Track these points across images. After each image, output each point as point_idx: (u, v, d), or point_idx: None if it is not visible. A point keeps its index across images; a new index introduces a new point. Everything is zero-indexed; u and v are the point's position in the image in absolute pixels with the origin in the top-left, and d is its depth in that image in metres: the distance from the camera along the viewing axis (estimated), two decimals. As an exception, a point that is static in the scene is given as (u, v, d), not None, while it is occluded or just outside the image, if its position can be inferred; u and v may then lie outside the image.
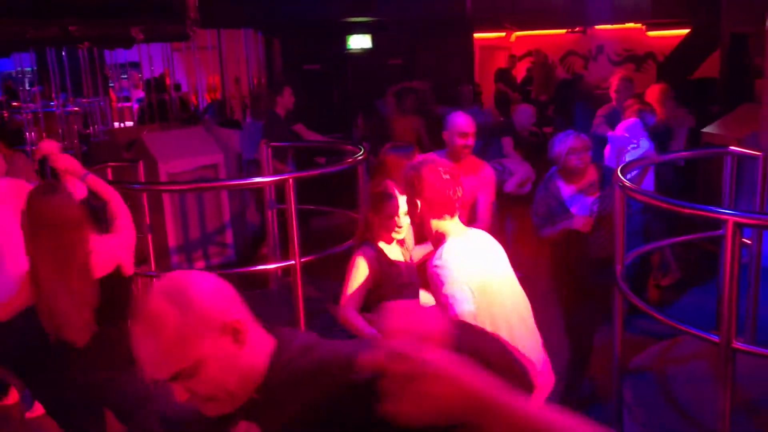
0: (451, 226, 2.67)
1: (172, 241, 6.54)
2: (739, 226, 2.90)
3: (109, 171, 4.92)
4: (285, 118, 6.77)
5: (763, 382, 3.80)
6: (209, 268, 6.68)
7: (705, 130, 6.84)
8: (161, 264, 6.23)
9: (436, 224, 2.67)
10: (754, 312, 4.02)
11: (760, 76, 6.78)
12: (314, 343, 1.37)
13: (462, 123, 4.15)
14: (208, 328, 1.27)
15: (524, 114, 6.77)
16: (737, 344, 2.90)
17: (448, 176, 2.64)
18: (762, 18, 6.16)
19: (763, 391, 3.75)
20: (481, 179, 4.17)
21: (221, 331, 1.28)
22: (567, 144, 4.11)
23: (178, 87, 8.80)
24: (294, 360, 1.33)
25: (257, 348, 1.34)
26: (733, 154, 4.29)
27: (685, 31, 10.41)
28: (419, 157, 3.09)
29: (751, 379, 3.75)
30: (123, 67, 9.49)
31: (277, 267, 5.26)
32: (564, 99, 9.33)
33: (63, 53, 7.32)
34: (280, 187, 5.26)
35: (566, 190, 4.21)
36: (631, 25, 12.03)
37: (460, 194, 2.67)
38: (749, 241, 4.18)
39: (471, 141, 4.16)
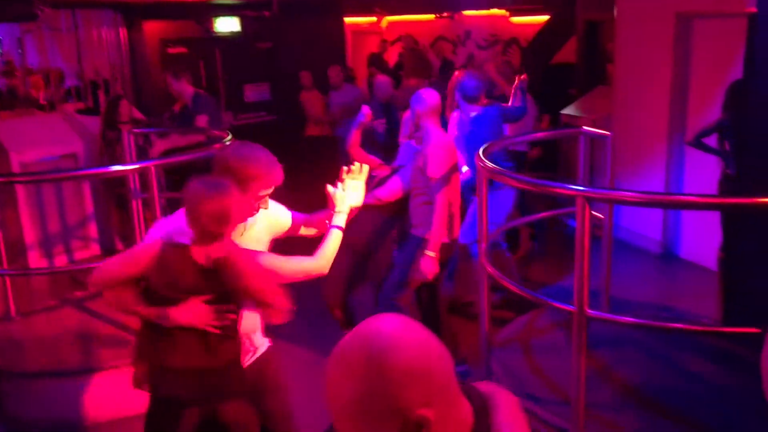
0: None
1: (29, 236, 6.13)
2: (588, 201, 3.08)
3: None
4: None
5: (616, 348, 4.08)
6: (72, 262, 6.34)
7: (564, 111, 7.21)
8: (18, 260, 5.85)
9: None
10: (607, 281, 4.29)
11: (611, 60, 7.22)
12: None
13: None
14: (388, 414, 1.08)
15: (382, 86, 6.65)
16: (590, 312, 3.09)
17: None
18: (612, 6, 6.57)
19: (617, 355, 4.03)
20: None
21: (403, 424, 1.08)
22: None
23: (29, 71, 8.22)
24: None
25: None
26: (586, 134, 4.54)
27: (545, 18, 10.89)
28: None
29: (606, 344, 4.02)
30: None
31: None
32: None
33: None
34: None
35: None
36: (496, 11, 12.44)
37: None
38: (602, 216, 4.45)
39: None
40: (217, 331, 2.57)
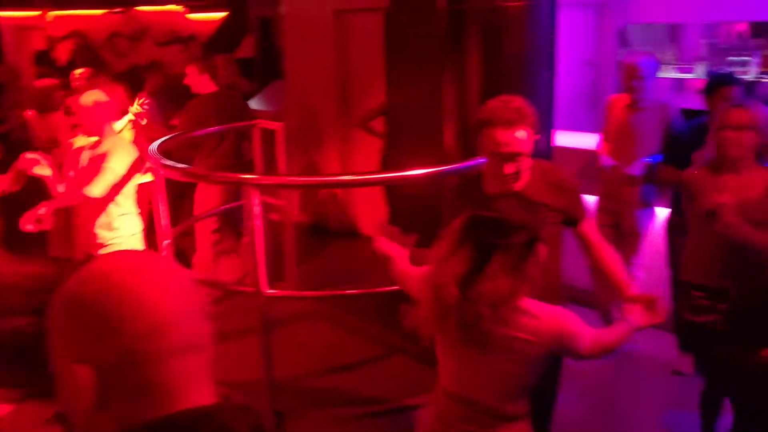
0: None
1: None
2: (259, 188, 3.27)
3: None
4: None
5: (307, 323, 4.38)
6: None
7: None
8: None
9: None
10: (290, 263, 4.56)
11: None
12: None
13: None
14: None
15: None
16: (269, 291, 3.28)
17: None
18: (280, 4, 6.90)
19: (307, 329, 4.33)
20: None
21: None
22: None
23: None
24: None
25: None
26: (260, 126, 4.77)
27: (223, 14, 10.99)
28: None
29: (296, 321, 4.29)
30: None
31: None
32: None
33: None
34: None
35: None
36: (172, 7, 12.22)
37: None
38: (280, 202, 4.70)
39: None
40: None
